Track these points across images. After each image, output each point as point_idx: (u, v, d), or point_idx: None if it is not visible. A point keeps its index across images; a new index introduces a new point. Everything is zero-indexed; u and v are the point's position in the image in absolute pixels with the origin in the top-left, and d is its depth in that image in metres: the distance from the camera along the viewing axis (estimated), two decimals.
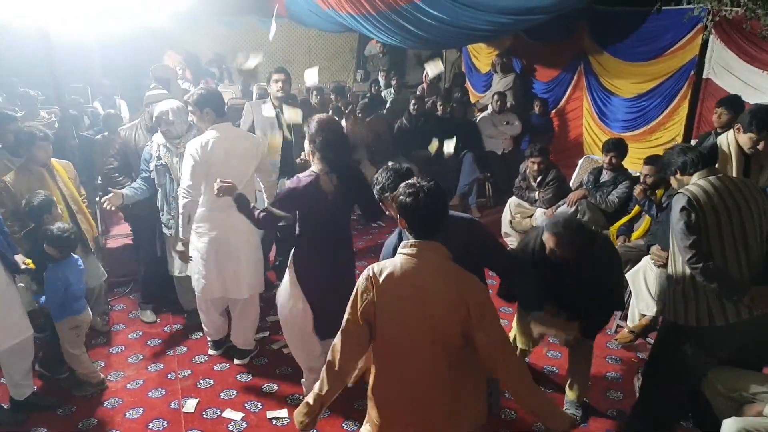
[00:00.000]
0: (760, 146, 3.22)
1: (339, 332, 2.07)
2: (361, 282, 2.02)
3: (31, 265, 3.22)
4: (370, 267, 2.02)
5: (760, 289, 2.54)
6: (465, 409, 2.02)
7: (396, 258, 1.99)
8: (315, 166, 3.03)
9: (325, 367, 2.09)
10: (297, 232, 3.14)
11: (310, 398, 2.08)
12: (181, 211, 3.50)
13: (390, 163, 2.51)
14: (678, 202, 2.62)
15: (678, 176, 2.76)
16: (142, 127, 4.25)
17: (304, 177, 3.00)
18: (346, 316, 2.05)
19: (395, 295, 1.95)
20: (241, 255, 3.64)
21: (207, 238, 3.59)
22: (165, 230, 4.02)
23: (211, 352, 3.97)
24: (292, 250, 3.21)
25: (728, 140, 3.43)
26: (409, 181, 2.02)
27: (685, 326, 2.69)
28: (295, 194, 2.96)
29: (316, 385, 2.10)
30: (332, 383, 2.06)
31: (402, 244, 2.01)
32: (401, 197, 1.96)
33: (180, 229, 3.54)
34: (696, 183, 2.65)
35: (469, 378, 2.02)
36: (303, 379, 3.45)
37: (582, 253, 2.91)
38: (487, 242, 2.45)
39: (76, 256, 3.49)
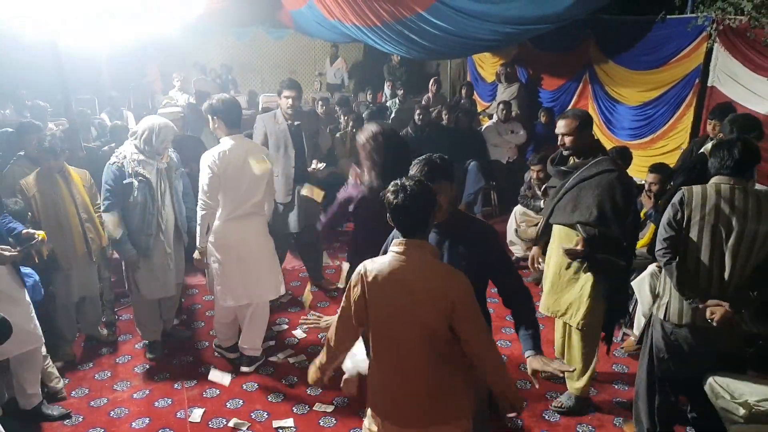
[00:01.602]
0: None
1: (334, 323, 2.28)
2: (354, 276, 2.16)
3: (43, 236, 3.19)
4: (363, 263, 2.14)
5: (713, 301, 2.62)
6: (454, 399, 2.11)
7: (386, 256, 2.09)
8: (367, 181, 2.94)
9: (325, 343, 2.34)
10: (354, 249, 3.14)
11: (316, 363, 2.38)
12: (199, 222, 3.60)
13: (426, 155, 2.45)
14: (675, 197, 2.69)
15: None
16: None
17: (354, 190, 2.96)
18: (342, 304, 2.22)
19: (384, 292, 2.06)
20: (261, 259, 3.76)
21: (227, 248, 3.67)
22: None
23: (231, 355, 3.99)
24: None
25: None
26: (398, 180, 2.07)
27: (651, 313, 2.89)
28: (350, 203, 2.96)
29: (319, 356, 2.38)
30: (329, 357, 2.34)
31: (393, 242, 2.10)
32: (387, 195, 2.05)
33: (198, 239, 3.65)
34: (704, 185, 2.68)
35: (458, 369, 2.11)
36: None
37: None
38: (502, 255, 2.46)
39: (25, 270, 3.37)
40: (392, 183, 2.06)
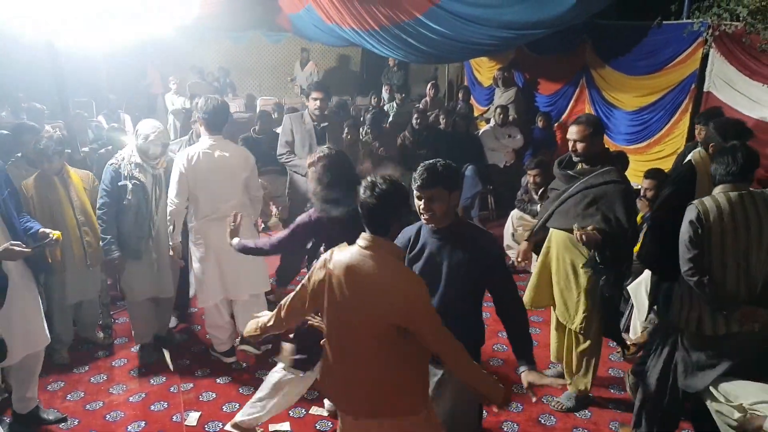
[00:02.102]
0: None
1: (292, 294, 2.31)
2: (320, 260, 2.19)
3: (58, 236, 3.12)
4: (331, 249, 2.18)
5: (748, 308, 2.61)
6: (403, 394, 2.12)
7: (352, 247, 2.12)
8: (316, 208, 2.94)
9: (276, 310, 2.36)
10: None
11: (259, 322, 2.41)
12: (168, 218, 3.71)
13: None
14: (688, 214, 2.65)
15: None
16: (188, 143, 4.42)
17: (313, 213, 2.95)
18: (302, 282, 2.25)
19: (342, 282, 2.09)
20: (242, 258, 3.64)
21: (206, 248, 3.79)
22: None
23: (228, 360, 4.03)
24: None
25: (701, 157, 3.39)
26: (370, 177, 2.10)
27: (677, 327, 2.81)
28: (307, 229, 2.96)
29: (265, 318, 2.41)
30: (275, 324, 2.38)
31: (361, 235, 2.10)
32: (359, 190, 2.09)
33: (169, 237, 3.76)
34: (713, 195, 2.66)
35: (406, 366, 2.12)
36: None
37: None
38: (501, 265, 2.43)
39: None
40: (365, 180, 2.10)
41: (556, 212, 3.25)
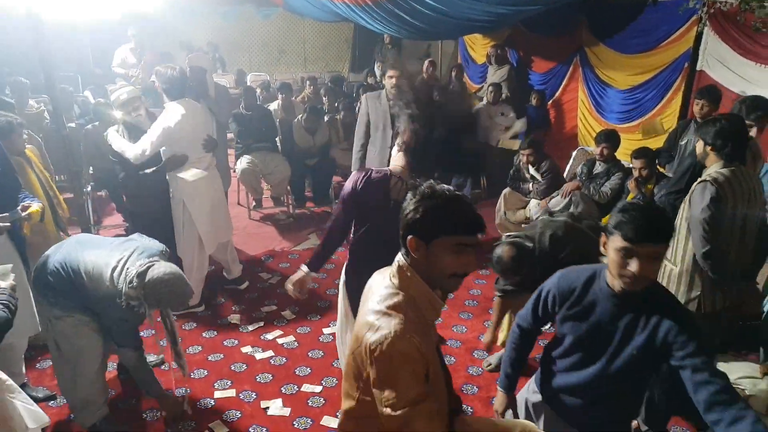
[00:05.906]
0: (753, 132, 3.25)
1: None
2: None
3: (35, 212, 3.04)
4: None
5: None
6: None
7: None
8: (394, 163, 2.74)
9: None
10: (353, 240, 2.91)
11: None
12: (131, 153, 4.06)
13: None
14: (706, 192, 2.62)
15: (708, 150, 2.72)
16: None
17: (374, 175, 2.70)
18: None
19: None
20: (223, 204, 4.57)
21: (202, 198, 4.18)
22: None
23: (199, 309, 4.38)
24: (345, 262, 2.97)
25: None
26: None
27: None
28: (356, 195, 2.69)
29: None
30: None
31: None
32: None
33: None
34: (720, 172, 2.66)
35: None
36: None
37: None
38: (692, 341, 1.74)
39: None
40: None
41: None
